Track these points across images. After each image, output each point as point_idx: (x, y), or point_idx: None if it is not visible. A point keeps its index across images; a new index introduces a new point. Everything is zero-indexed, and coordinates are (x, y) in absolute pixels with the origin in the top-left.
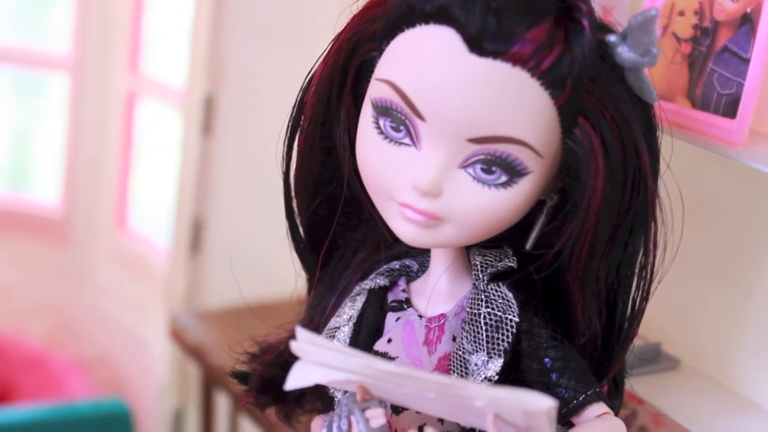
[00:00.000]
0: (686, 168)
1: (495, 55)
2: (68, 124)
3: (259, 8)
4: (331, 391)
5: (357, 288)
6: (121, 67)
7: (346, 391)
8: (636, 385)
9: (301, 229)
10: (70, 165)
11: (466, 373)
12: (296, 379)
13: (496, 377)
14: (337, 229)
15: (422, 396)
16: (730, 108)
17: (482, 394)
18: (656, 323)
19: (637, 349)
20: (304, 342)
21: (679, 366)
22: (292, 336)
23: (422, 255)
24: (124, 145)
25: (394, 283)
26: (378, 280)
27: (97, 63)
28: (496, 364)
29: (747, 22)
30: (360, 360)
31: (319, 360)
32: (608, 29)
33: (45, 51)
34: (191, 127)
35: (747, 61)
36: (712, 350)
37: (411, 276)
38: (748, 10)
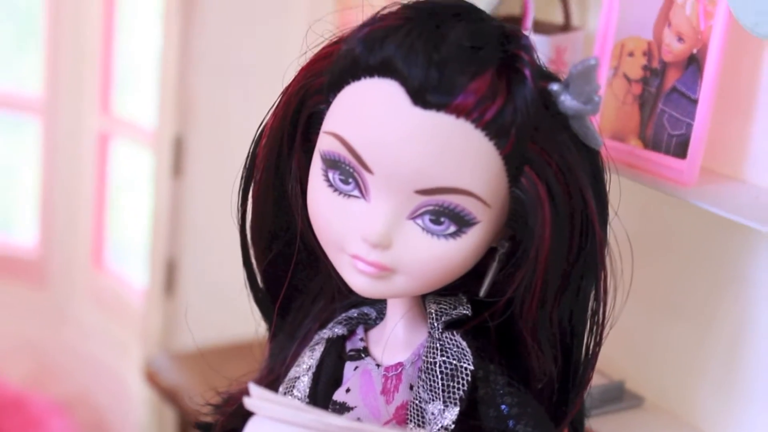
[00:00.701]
0: (642, 208)
1: (438, 107)
2: (42, 166)
3: (227, 49)
4: None
5: (316, 337)
6: (93, 108)
7: None
8: (601, 424)
9: (259, 279)
10: (46, 206)
11: (423, 423)
12: None
13: (453, 426)
14: (295, 278)
15: None
16: (680, 148)
17: None
18: (620, 362)
19: (601, 387)
20: (257, 398)
21: (643, 404)
22: None
23: (380, 303)
24: (99, 186)
25: (352, 332)
26: (336, 329)
27: (69, 105)
28: (452, 413)
29: (693, 63)
30: (312, 416)
31: (273, 415)
32: (552, 77)
33: (17, 93)
34: (162, 167)
35: (695, 101)
36: (675, 387)
37: (369, 324)
38: (695, 50)
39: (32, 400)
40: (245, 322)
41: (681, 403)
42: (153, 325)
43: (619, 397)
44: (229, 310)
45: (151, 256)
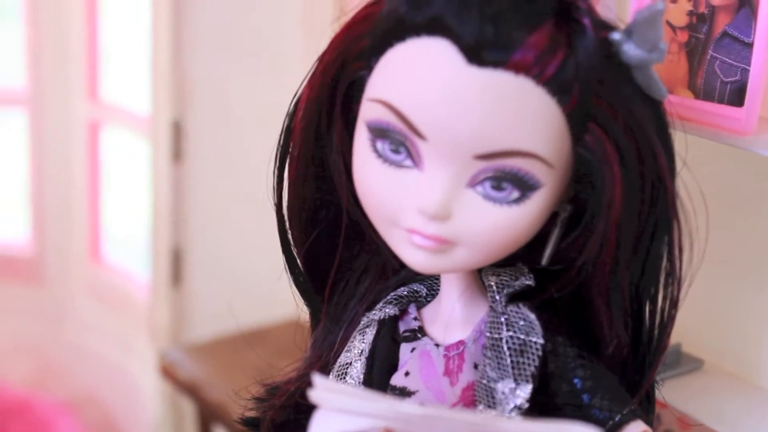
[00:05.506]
0: (696, 162)
1: (496, 64)
2: (30, 159)
3: (221, 26)
4: None
5: (365, 319)
6: (81, 96)
7: None
8: (661, 389)
9: (299, 262)
10: (37, 201)
11: (494, 403)
12: (319, 430)
13: (527, 405)
14: (339, 258)
15: None
16: (736, 96)
17: (517, 430)
18: (675, 324)
19: None
20: (322, 390)
21: (702, 366)
22: (301, 376)
23: (430, 278)
24: (92, 176)
25: (404, 311)
26: (387, 310)
27: (55, 94)
28: (525, 391)
29: (746, 5)
30: (384, 405)
31: (341, 407)
32: (611, 27)
33: None
34: (160, 153)
35: (750, 45)
36: (734, 347)
37: (420, 302)
38: None
39: (36, 401)
40: (259, 308)
41: (741, 364)
42: (161, 318)
43: (676, 360)
44: (241, 297)
45: (154, 247)
